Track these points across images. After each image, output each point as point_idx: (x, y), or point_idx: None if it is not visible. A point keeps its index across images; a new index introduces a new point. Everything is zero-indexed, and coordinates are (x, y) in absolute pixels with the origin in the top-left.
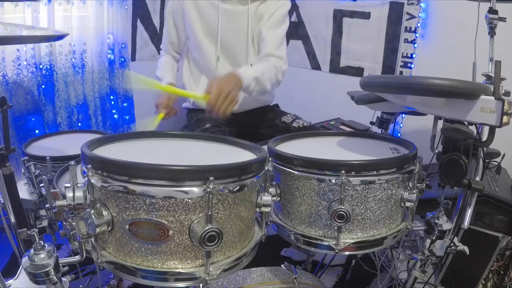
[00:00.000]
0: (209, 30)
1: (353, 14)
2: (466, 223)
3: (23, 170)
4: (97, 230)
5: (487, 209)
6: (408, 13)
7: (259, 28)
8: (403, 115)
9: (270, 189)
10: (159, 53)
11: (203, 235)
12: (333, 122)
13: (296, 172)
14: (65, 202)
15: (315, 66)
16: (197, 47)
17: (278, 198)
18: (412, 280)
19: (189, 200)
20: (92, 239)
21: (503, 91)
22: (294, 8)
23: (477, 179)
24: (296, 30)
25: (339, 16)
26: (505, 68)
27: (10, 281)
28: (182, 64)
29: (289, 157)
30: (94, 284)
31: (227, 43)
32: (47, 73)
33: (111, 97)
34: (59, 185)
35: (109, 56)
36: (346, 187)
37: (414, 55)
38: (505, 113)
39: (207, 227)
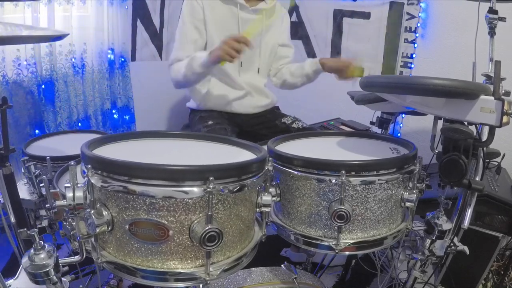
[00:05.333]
0: (225, 36)
1: (353, 14)
2: (466, 223)
3: (23, 170)
4: (97, 230)
5: (487, 209)
6: (408, 13)
7: (275, 39)
8: (403, 115)
9: (270, 189)
10: (159, 54)
11: (203, 235)
12: (333, 122)
13: (296, 172)
14: (65, 202)
15: None
16: None
17: (278, 198)
18: (412, 280)
19: (189, 200)
20: (92, 239)
21: (503, 91)
22: (294, 8)
23: (477, 179)
24: (296, 30)
25: (339, 16)
26: (505, 68)
27: (10, 281)
28: None
29: (289, 157)
30: (94, 284)
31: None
32: (47, 73)
33: (111, 97)
34: (59, 185)
35: (109, 56)
36: (346, 187)
37: (414, 55)
38: (505, 113)
39: (207, 227)
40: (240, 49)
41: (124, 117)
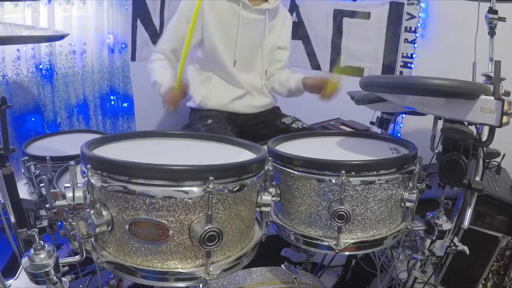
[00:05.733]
0: (226, 35)
1: (353, 14)
2: (466, 223)
3: (23, 170)
4: (97, 230)
5: (487, 209)
6: (408, 13)
7: (275, 41)
8: (403, 115)
9: (270, 189)
10: None
11: (203, 235)
12: (333, 122)
13: (296, 172)
14: (65, 202)
15: (315, 66)
16: (212, 51)
17: (278, 198)
18: (412, 280)
19: (189, 200)
20: (92, 239)
21: (503, 91)
22: (294, 8)
23: (477, 179)
24: (296, 30)
25: (339, 16)
26: (505, 68)
27: (10, 281)
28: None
29: (289, 157)
30: (94, 284)
31: (243, 50)
32: (47, 73)
33: (111, 97)
34: (59, 185)
35: (109, 56)
36: (346, 187)
37: (414, 55)
38: (505, 113)
39: (207, 227)
40: (168, 106)
41: (124, 117)
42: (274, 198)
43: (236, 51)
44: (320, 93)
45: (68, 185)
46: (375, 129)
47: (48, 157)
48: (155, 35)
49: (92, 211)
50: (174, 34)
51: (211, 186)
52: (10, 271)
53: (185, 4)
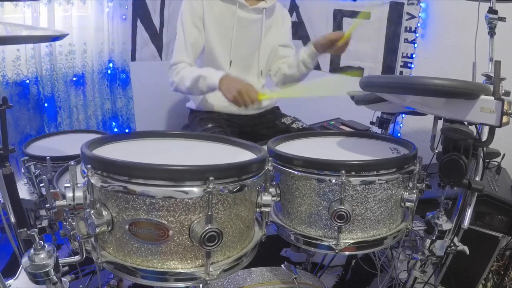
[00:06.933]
0: (223, 35)
1: (353, 14)
2: (466, 223)
3: (23, 170)
4: (97, 230)
5: (487, 209)
6: (408, 13)
7: (275, 40)
8: (403, 115)
9: (270, 189)
10: (159, 54)
11: (203, 235)
12: (333, 122)
13: (296, 172)
14: (65, 202)
15: (315, 66)
16: (210, 52)
17: (278, 198)
18: (412, 280)
19: (189, 200)
20: (92, 239)
21: (503, 91)
22: (294, 8)
23: (477, 179)
24: (296, 30)
25: (339, 16)
26: (505, 68)
27: (10, 281)
28: None
29: (289, 157)
30: (94, 284)
31: (239, 50)
32: (47, 73)
33: (111, 97)
34: (59, 185)
35: (109, 56)
36: (346, 187)
37: (414, 55)
38: (505, 113)
39: (207, 227)
40: (247, 106)
41: (124, 117)
42: (274, 198)
43: (232, 52)
44: (332, 49)
45: (68, 185)
46: (375, 129)
47: (48, 157)
48: (155, 35)
49: (92, 211)
50: (184, 44)
51: (211, 186)
52: (10, 271)
53: (186, 9)
